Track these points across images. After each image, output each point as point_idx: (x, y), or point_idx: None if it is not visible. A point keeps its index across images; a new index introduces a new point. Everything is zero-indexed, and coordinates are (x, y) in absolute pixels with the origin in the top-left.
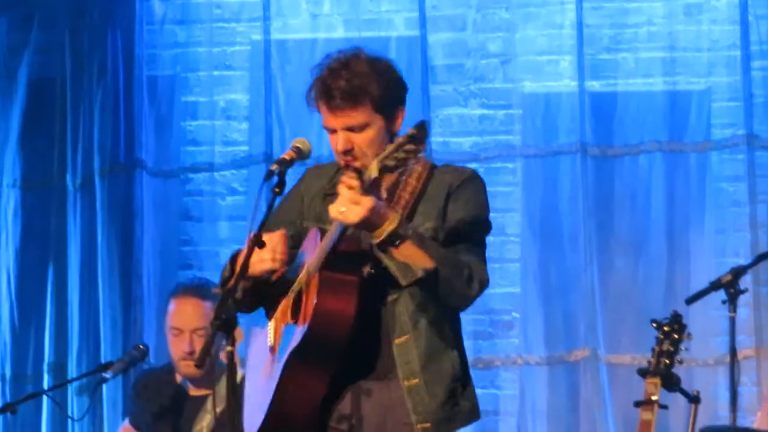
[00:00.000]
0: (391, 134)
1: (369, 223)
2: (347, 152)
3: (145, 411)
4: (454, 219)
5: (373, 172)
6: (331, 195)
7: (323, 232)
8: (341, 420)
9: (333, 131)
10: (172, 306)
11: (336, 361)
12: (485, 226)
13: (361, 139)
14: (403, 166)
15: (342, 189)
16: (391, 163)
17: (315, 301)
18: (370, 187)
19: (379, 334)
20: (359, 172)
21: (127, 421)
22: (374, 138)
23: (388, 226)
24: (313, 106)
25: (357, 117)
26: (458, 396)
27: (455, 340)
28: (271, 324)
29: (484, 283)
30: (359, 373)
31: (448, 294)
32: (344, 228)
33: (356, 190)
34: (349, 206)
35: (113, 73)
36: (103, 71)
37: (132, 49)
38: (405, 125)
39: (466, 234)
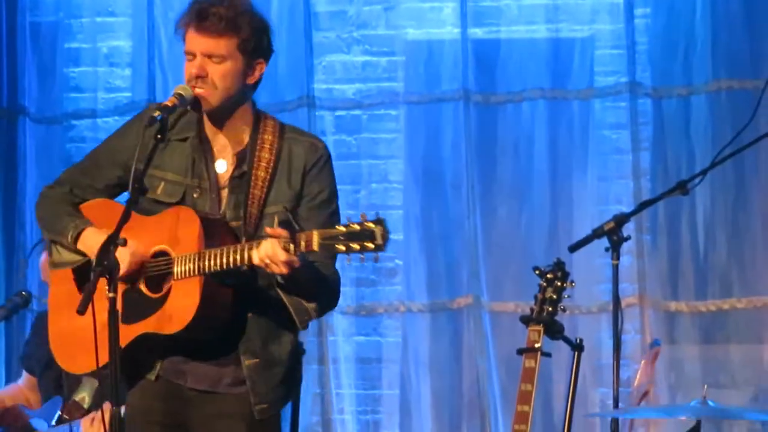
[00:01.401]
0: (245, 83)
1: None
2: (199, 78)
3: (39, 351)
4: (313, 215)
5: (313, 245)
6: (182, 141)
7: (204, 220)
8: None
9: (192, 56)
10: (43, 258)
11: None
12: (338, 217)
13: (216, 71)
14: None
15: (276, 247)
16: (341, 248)
17: (197, 307)
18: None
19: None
20: (292, 232)
21: (24, 376)
22: (228, 75)
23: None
24: (181, 33)
25: (221, 46)
26: (293, 371)
27: (293, 324)
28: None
29: (339, 292)
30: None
31: (321, 311)
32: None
33: (289, 252)
34: (280, 267)
35: None
36: None
37: None
38: (291, 73)
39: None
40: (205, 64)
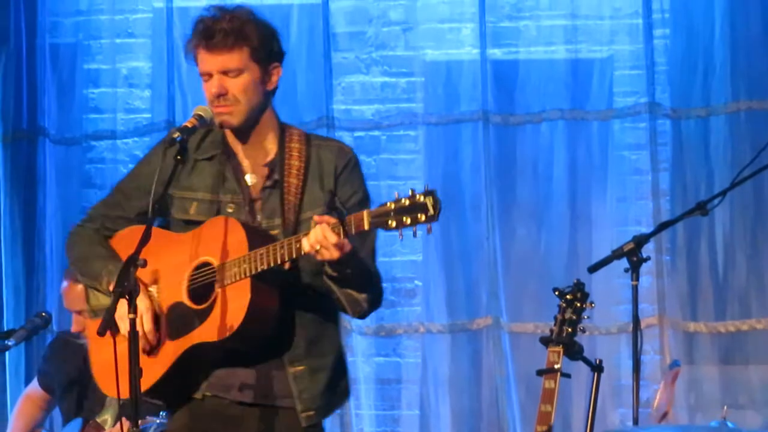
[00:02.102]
0: (265, 91)
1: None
2: (220, 96)
3: (60, 372)
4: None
5: (364, 225)
6: (208, 160)
7: (245, 225)
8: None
9: (209, 76)
10: (65, 285)
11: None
12: None
13: (235, 85)
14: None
15: (327, 230)
16: (392, 224)
17: (247, 309)
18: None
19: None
20: (341, 217)
21: (34, 384)
22: (248, 86)
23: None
24: (191, 56)
25: (234, 60)
26: (339, 378)
27: (335, 320)
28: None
29: (383, 290)
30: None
31: (370, 303)
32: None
33: (339, 235)
34: (331, 251)
35: (16, 40)
36: (6, 38)
37: (35, 16)
38: (310, 93)
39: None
40: (223, 81)
